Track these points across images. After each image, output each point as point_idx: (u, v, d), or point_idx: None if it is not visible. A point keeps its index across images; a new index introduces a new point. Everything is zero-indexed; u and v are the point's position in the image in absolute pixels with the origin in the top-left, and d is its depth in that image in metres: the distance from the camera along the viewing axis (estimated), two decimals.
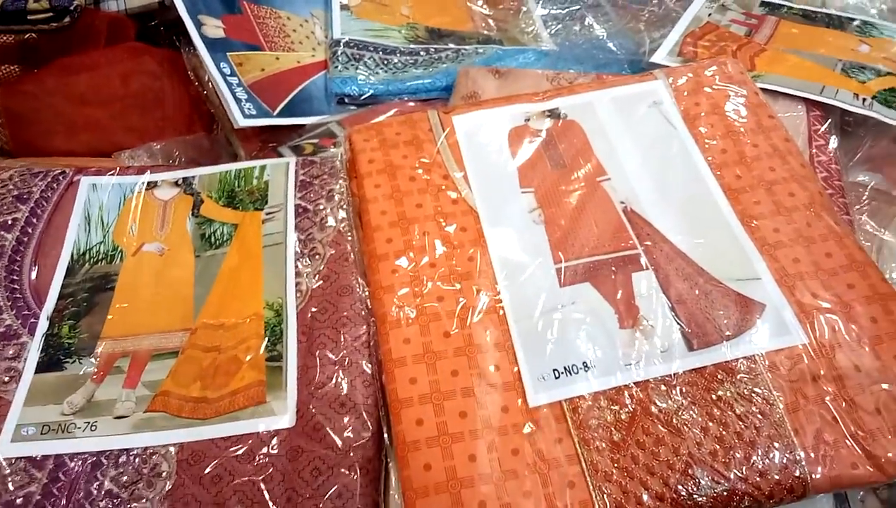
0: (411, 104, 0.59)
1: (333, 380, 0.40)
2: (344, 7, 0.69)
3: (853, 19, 0.73)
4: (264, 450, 0.38)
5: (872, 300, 0.40)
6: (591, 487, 0.35)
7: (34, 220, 0.48)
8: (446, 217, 0.44)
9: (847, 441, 0.36)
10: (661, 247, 0.43)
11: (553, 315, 0.40)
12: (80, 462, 0.38)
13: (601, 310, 0.40)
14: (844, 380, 0.38)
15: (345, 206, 0.47)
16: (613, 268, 0.42)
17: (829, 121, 0.54)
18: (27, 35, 0.60)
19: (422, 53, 0.65)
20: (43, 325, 0.43)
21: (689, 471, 0.35)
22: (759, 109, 0.49)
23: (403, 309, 0.40)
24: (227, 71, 0.59)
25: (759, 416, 0.37)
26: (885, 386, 0.37)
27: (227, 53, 0.61)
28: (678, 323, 0.40)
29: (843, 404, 0.37)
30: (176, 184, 0.50)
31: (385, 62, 0.64)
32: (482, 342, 0.39)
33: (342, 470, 0.37)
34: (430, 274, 0.42)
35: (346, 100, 0.61)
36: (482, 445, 0.36)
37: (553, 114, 0.50)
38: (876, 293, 0.41)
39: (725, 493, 0.35)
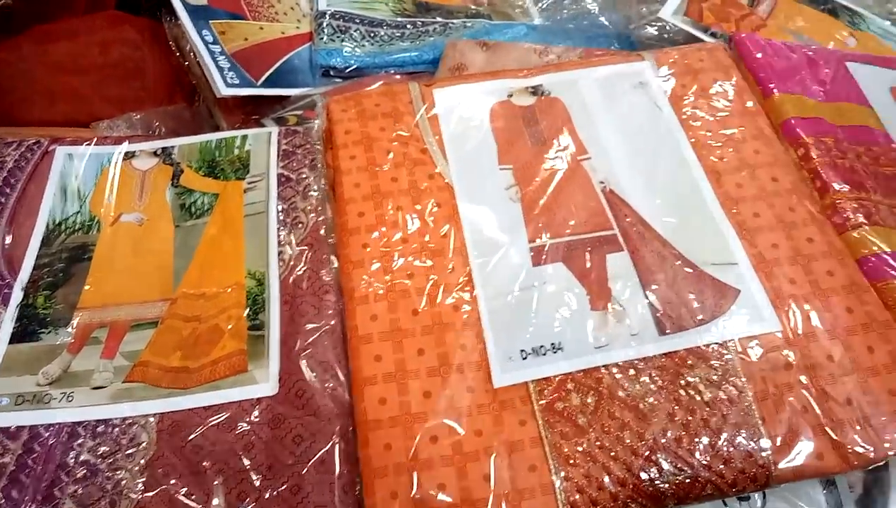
0: (398, 77, 0.58)
1: (316, 348, 0.40)
2: None
3: (847, 8, 0.72)
4: (246, 419, 0.38)
5: (849, 289, 0.40)
6: (552, 470, 0.35)
7: (7, 190, 0.48)
8: (421, 192, 0.44)
9: (815, 431, 0.36)
10: (638, 229, 0.42)
11: (524, 294, 0.40)
12: (55, 433, 0.38)
13: (573, 291, 0.40)
14: (816, 370, 0.37)
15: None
16: (589, 249, 0.42)
17: None
18: (2, 1, 0.58)
19: (408, 26, 0.64)
20: (17, 295, 0.43)
21: (653, 457, 0.35)
22: (744, 94, 0.48)
23: (372, 285, 0.40)
24: (209, 39, 0.58)
25: (727, 403, 0.36)
26: (856, 377, 0.37)
27: (210, 21, 0.60)
28: (651, 307, 0.39)
29: (814, 393, 0.37)
30: (154, 154, 0.49)
31: (371, 34, 0.63)
32: (451, 321, 0.39)
33: (324, 437, 0.37)
34: (402, 250, 0.41)
35: (332, 73, 0.60)
36: (444, 426, 0.36)
37: (537, 90, 0.49)
38: (853, 282, 0.40)
39: (688, 480, 0.35)
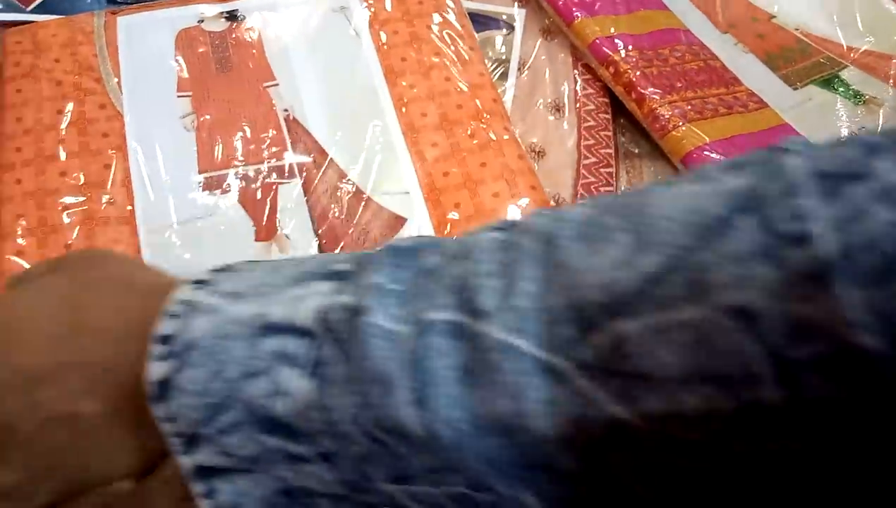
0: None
1: None
2: None
3: None
4: None
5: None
6: None
7: None
8: (90, 122, 0.41)
9: None
10: (315, 159, 0.41)
11: (188, 226, 0.39)
12: None
13: (238, 222, 0.39)
14: None
15: None
16: (261, 179, 0.41)
17: None
18: None
19: None
20: None
21: None
22: (447, 21, 0.47)
23: (22, 220, 0.38)
24: None
25: None
26: None
27: None
28: (318, 237, 0.39)
29: None
30: None
31: None
32: None
33: None
34: (58, 183, 0.39)
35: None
36: None
37: (231, 15, 0.46)
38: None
39: None
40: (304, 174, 0.41)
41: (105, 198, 0.40)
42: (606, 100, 0.47)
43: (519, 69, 0.48)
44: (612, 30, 0.47)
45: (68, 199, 0.40)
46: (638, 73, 0.45)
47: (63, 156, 0.41)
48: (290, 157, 0.42)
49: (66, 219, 0.39)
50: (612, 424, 0.16)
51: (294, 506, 0.21)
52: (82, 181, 0.40)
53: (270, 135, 0.42)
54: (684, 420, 0.15)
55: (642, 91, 0.45)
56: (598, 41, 0.47)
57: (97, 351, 0.22)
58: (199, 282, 0.22)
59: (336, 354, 0.19)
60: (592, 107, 0.47)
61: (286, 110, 0.43)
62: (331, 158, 0.42)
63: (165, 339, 0.21)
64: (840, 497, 0.16)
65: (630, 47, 0.47)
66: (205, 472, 0.21)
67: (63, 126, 0.42)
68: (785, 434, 0.15)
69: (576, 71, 0.48)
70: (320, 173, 0.41)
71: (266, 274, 0.22)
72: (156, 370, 0.20)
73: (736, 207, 0.16)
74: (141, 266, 0.27)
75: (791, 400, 0.14)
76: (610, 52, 0.46)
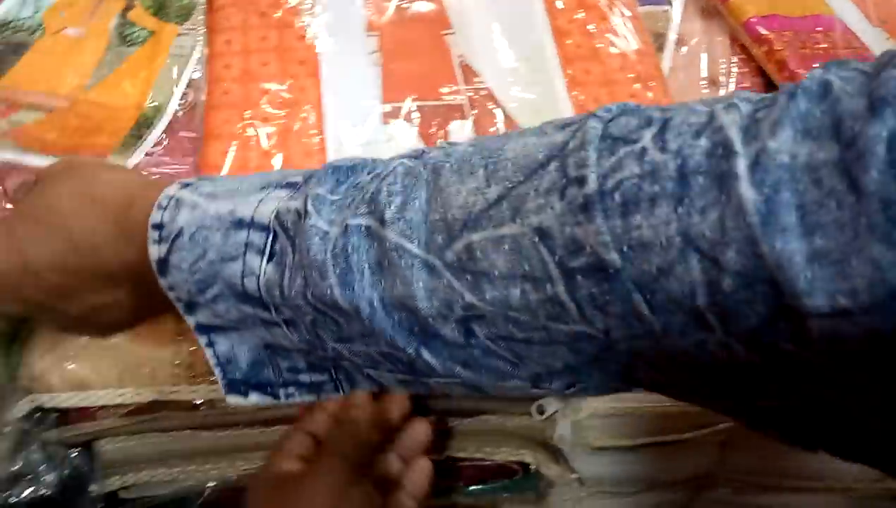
0: None
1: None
2: None
3: None
4: None
5: None
6: None
7: None
8: (287, 51, 0.47)
9: None
10: (485, 103, 0.46)
11: (369, 148, 0.43)
12: None
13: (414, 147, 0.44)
14: None
15: None
16: (437, 115, 0.45)
17: None
18: None
19: None
20: None
21: None
22: None
23: (227, 126, 0.43)
24: None
25: None
26: None
27: None
28: None
29: None
30: None
31: None
32: (300, 164, 0.42)
33: None
34: (259, 98, 0.45)
35: None
36: None
37: None
38: None
39: None
40: (475, 115, 0.45)
41: (299, 116, 0.44)
42: (761, 80, 0.49)
43: (677, 45, 0.50)
44: (768, 10, 0.50)
45: (268, 112, 0.45)
46: (791, 51, 0.47)
47: (264, 76, 0.46)
48: (463, 99, 0.46)
49: (265, 130, 0.44)
50: (469, 306, 0.22)
51: (275, 356, 0.28)
52: (280, 99, 0.45)
53: (446, 77, 0.46)
54: (512, 305, 0.21)
55: (794, 70, 0.47)
56: (753, 20, 0.49)
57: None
58: (185, 184, 0.28)
59: (287, 246, 0.25)
60: (748, 84, 0.49)
61: (461, 56, 0.48)
62: (500, 104, 0.46)
63: (158, 226, 0.27)
64: (621, 367, 0.22)
65: (784, 27, 0.49)
66: (204, 328, 0.28)
67: (265, 52, 0.47)
68: (574, 320, 0.20)
69: (732, 50, 0.51)
70: (489, 116, 0.45)
71: (237, 183, 0.28)
72: (154, 251, 0.27)
73: (551, 155, 0.21)
74: (108, 170, 0.33)
75: (573, 296, 0.20)
76: (764, 31, 0.49)
